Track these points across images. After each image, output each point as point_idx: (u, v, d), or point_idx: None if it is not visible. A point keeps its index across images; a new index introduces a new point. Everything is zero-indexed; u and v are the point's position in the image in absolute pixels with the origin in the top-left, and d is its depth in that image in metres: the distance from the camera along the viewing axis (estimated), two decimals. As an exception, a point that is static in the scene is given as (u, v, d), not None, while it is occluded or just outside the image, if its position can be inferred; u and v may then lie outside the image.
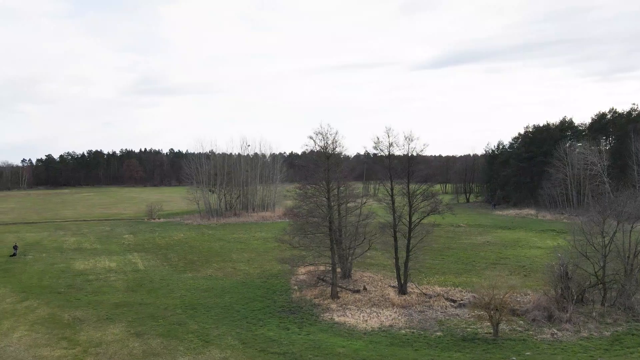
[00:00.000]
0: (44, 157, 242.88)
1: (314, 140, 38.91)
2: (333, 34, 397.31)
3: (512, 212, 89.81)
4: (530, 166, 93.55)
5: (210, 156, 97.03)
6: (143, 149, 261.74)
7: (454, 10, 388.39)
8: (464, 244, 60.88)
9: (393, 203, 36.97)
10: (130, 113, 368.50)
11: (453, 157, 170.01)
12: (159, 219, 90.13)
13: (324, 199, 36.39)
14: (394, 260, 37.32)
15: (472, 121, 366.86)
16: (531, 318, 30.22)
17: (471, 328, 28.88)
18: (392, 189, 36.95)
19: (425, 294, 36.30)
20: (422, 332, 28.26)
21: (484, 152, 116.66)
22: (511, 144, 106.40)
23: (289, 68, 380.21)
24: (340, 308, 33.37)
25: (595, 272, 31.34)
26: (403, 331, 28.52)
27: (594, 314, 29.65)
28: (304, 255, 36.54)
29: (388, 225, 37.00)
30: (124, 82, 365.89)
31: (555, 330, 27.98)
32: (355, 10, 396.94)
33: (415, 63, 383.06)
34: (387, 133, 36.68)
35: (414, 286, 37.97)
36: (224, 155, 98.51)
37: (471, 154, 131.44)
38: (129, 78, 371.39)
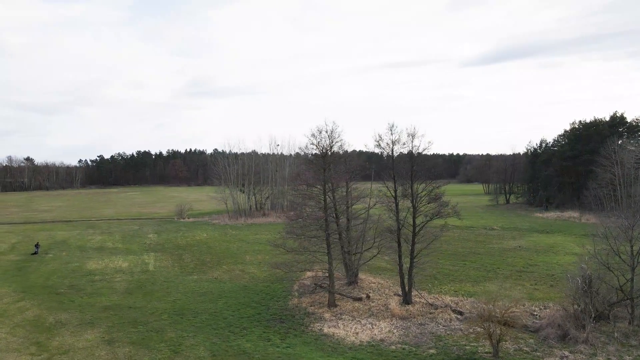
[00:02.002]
0: (96, 158, 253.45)
1: (314, 137, 37.01)
2: (377, 33, 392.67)
3: (552, 214, 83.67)
4: (575, 165, 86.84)
5: (238, 156, 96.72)
6: (188, 150, 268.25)
7: (505, 4, 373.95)
8: (492, 248, 56.77)
9: (397, 205, 34.21)
10: (180, 115, 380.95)
11: (501, 155, 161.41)
12: (188, 218, 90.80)
13: (320, 200, 34.16)
14: (398, 267, 34.61)
15: (521, 119, 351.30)
16: (543, 336, 26.81)
17: (471, 346, 25.84)
18: (395, 190, 34.18)
19: (431, 305, 33.36)
20: (414, 349, 25.55)
21: (526, 151, 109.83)
22: (555, 142, 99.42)
23: (332, 68, 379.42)
24: (334, 318, 31.10)
25: (621, 286, 27.41)
26: (393, 347, 25.92)
27: (616, 334, 25.85)
28: (300, 260, 34.41)
29: (390, 229, 34.28)
30: (176, 85, 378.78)
31: (566, 352, 24.48)
32: (400, 7, 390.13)
33: (463, 60, 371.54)
34: (390, 130, 33.87)
35: (421, 295, 35.08)
36: (252, 154, 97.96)
37: (512, 153, 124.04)
38: (180, 81, 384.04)
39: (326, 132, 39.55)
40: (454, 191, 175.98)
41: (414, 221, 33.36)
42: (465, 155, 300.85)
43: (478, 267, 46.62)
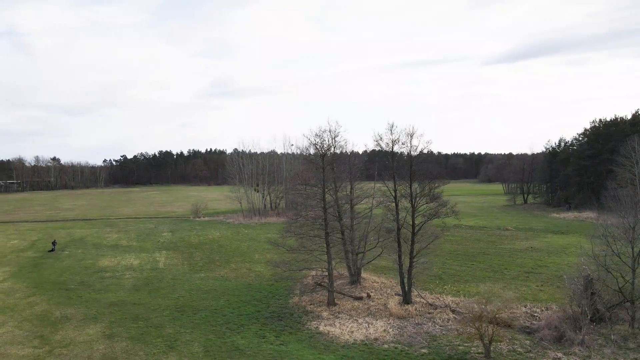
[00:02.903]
0: (119, 158, 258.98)
1: (318, 137, 37.32)
2: (398, 32, 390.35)
3: (569, 215, 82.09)
4: (594, 165, 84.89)
5: (253, 155, 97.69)
6: (208, 149, 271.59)
7: (530, 0, 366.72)
8: (503, 249, 56.09)
9: (397, 205, 34.20)
10: (202, 115, 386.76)
11: (523, 155, 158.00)
12: (203, 217, 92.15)
13: (319, 199, 34.43)
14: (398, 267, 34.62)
15: (545, 117, 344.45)
16: (539, 338, 26.53)
17: (464, 346, 25.74)
18: (395, 190, 34.18)
19: (431, 305, 33.30)
20: (406, 348, 25.61)
21: (544, 150, 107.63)
22: (574, 141, 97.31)
23: (354, 67, 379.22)
24: (332, 316, 31.34)
25: (620, 288, 26.91)
26: (386, 346, 26.02)
27: (612, 336, 25.41)
28: (299, 259, 34.77)
29: (387, 229, 34.31)
30: (198, 85, 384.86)
31: (560, 354, 24.21)
32: (421, 7, 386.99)
33: (487, 58, 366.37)
34: (390, 130, 33.85)
35: (421, 295, 35.03)
36: (267, 154, 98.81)
37: (530, 152, 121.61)
38: (202, 82, 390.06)
39: (329, 131, 39.86)
40: (472, 191, 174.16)
41: (413, 221, 33.31)
42: (486, 154, 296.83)
43: (485, 267, 46.15)
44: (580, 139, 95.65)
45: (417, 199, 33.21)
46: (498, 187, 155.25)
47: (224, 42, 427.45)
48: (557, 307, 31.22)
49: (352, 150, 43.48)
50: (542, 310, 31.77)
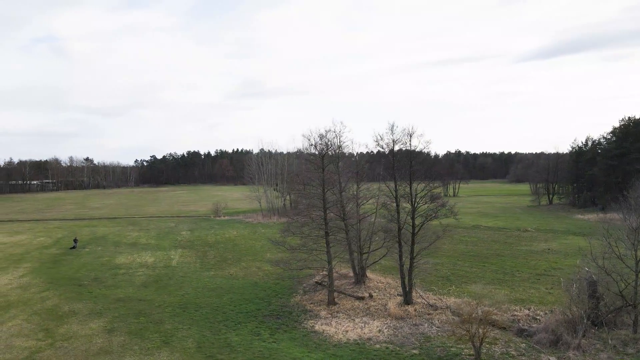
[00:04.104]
0: (149, 158, 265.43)
1: (323, 137, 37.60)
2: (427, 30, 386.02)
3: (594, 216, 79.53)
4: (622, 164, 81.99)
5: (272, 155, 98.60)
6: (235, 149, 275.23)
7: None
8: (519, 250, 54.94)
9: (397, 205, 34.08)
10: (231, 115, 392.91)
11: (556, 154, 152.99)
12: (223, 216, 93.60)
13: (320, 199, 34.65)
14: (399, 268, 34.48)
15: (579, 115, 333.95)
16: (535, 341, 26.03)
17: (457, 348, 25.48)
18: (396, 190, 34.04)
19: (432, 306, 33.05)
20: (397, 349, 25.55)
21: (570, 149, 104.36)
22: (602, 139, 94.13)
23: (380, 67, 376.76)
24: (329, 315, 31.52)
25: (621, 291, 26.11)
26: (378, 346, 26.03)
27: (610, 341, 24.69)
28: (300, 258, 35.06)
29: (385, 229, 34.23)
30: (228, 86, 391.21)
31: (554, 358, 23.71)
32: (451, 3, 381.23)
33: (519, 55, 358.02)
34: (391, 129, 33.75)
35: (422, 296, 34.80)
36: (286, 154, 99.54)
37: (555, 151, 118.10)
38: (232, 82, 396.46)
39: (334, 131, 40.07)
40: (498, 191, 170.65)
41: (413, 221, 33.11)
42: (516, 154, 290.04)
43: (496, 269, 45.35)
44: (609, 137, 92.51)
45: (417, 199, 33.00)
46: (525, 187, 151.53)
47: (253, 42, 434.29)
48: (560, 311, 30.56)
49: (359, 152, 43.31)
50: (546, 314, 31.10)
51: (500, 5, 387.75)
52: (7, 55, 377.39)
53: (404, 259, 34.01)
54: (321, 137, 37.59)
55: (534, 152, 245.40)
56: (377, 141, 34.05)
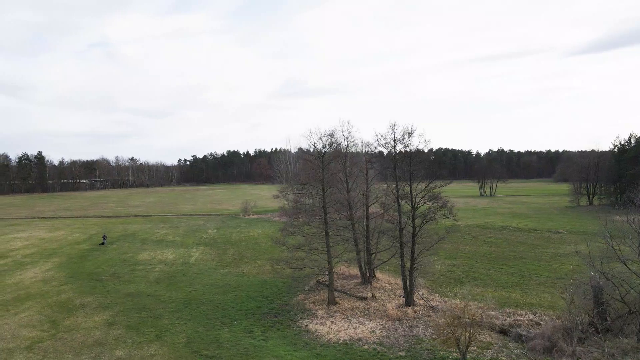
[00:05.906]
0: (190, 158, 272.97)
1: (331, 137, 37.79)
2: (472, 25, 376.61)
3: (634, 218, 75.13)
4: (666, 163, 77.19)
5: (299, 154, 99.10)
6: (274, 149, 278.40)
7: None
8: (544, 253, 52.90)
9: (399, 205, 33.64)
10: (271, 115, 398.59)
11: (603, 152, 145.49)
12: (252, 215, 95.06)
13: (319, 199, 34.68)
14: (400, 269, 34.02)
15: (634, 112, 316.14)
16: (529, 347, 25.10)
17: (446, 351, 24.96)
18: (397, 190, 33.60)
19: (433, 308, 32.44)
20: (385, 350, 25.29)
21: (612, 147, 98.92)
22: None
23: (424, 64, 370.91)
24: (326, 315, 31.52)
25: (622, 297, 24.75)
26: (366, 347, 25.85)
27: (606, 349, 23.44)
28: (300, 257, 35.25)
29: (384, 230, 33.84)
30: (271, 87, 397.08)
31: (543, 365, 22.80)
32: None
33: (570, 49, 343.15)
34: (392, 129, 33.32)
35: (423, 297, 34.20)
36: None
37: (596, 149, 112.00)
38: (273, 83, 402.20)
39: (342, 132, 40.06)
40: (540, 191, 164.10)
41: (413, 222, 32.59)
42: (564, 152, 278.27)
43: (514, 272, 43.92)
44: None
45: (417, 199, 32.45)
46: (569, 187, 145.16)
47: (295, 43, 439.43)
48: (559, 316, 29.36)
49: (367, 151, 43.06)
50: (552, 319, 29.86)
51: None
52: (65, 60, 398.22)
53: (404, 260, 33.56)
54: (329, 136, 37.72)
55: (584, 150, 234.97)
56: (377, 141, 33.74)
